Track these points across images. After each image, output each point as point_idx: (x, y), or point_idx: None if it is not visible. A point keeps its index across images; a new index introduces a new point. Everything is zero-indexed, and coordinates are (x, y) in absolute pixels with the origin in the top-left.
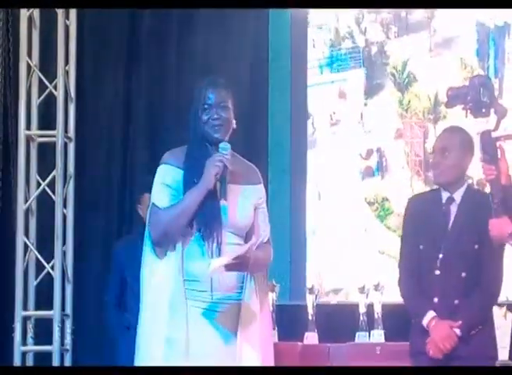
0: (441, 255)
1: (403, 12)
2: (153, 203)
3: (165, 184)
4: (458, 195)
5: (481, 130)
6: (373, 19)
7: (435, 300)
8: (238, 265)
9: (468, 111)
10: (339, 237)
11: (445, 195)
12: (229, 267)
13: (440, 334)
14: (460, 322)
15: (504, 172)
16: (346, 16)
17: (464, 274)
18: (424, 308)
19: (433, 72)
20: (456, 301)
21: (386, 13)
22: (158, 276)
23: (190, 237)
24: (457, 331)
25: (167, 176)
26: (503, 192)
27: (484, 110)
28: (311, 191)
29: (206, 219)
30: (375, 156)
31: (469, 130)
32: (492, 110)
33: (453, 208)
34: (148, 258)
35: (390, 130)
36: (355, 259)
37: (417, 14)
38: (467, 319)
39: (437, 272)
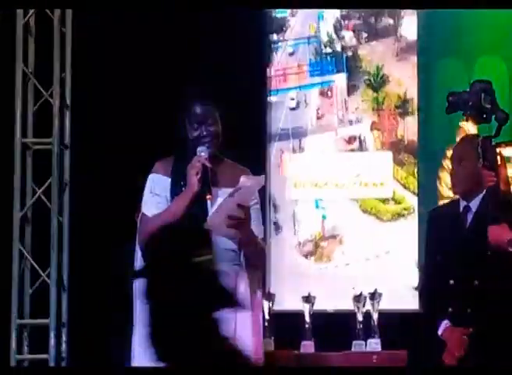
0: (455, 265)
1: (372, 18)
2: (142, 212)
3: (154, 193)
4: (475, 203)
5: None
6: (345, 25)
7: (450, 310)
8: (237, 224)
9: (469, 117)
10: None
11: (462, 204)
12: (229, 224)
13: (454, 342)
14: (470, 330)
15: (503, 178)
16: (326, 25)
17: (476, 282)
18: (439, 318)
19: (401, 74)
20: (468, 310)
21: (356, 19)
22: None
23: None
24: (467, 339)
25: (156, 185)
26: (503, 198)
27: (485, 116)
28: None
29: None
30: (357, 141)
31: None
32: (493, 116)
33: (469, 217)
34: (138, 264)
35: (367, 122)
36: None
37: (384, 21)
38: (479, 326)
39: (451, 281)
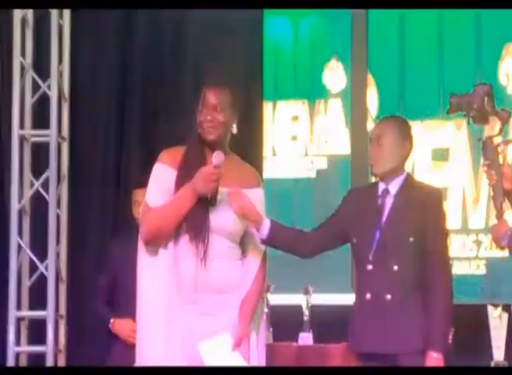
0: (373, 249)
1: None
2: (145, 201)
3: (159, 183)
4: (394, 187)
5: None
6: None
7: (368, 296)
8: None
9: (471, 119)
10: None
11: (381, 187)
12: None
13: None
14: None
15: (507, 177)
16: None
17: (395, 267)
18: (357, 305)
19: None
20: (388, 296)
21: None
22: (150, 275)
23: (181, 238)
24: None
25: (161, 175)
26: (504, 197)
27: (485, 118)
28: None
29: (194, 223)
30: None
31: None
32: (492, 118)
33: (389, 201)
34: (141, 256)
35: None
36: None
37: None
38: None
39: (369, 267)
